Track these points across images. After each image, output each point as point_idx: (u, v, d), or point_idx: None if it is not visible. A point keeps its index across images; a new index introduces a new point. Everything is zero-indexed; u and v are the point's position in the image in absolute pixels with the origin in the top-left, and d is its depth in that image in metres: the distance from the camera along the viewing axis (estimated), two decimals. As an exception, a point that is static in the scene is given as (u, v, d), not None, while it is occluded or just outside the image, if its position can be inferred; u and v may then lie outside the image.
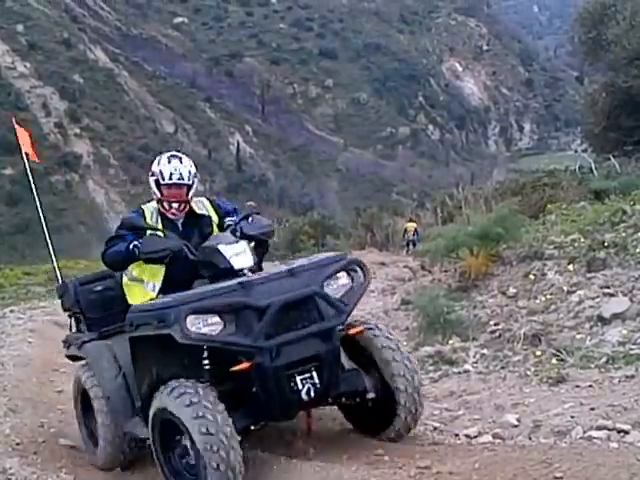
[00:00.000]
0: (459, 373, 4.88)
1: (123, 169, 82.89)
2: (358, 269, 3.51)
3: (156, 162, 3.80)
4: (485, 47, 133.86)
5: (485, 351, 5.24)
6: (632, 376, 3.96)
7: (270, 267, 3.47)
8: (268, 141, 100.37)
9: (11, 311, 8.30)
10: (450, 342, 5.63)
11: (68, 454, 4.18)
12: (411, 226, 18.87)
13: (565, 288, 5.91)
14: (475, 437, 3.69)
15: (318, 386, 3.25)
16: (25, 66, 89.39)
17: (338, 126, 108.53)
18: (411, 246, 17.94)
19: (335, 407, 4.38)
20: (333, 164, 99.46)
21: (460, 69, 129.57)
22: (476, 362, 5.05)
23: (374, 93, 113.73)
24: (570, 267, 6.27)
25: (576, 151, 47.10)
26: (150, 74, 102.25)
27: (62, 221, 70.72)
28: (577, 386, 4.04)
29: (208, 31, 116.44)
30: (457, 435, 3.76)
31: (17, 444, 4.05)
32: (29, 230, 68.69)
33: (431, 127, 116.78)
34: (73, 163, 79.57)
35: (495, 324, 5.83)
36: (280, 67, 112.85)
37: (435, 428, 3.92)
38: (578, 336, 5.01)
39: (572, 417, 3.56)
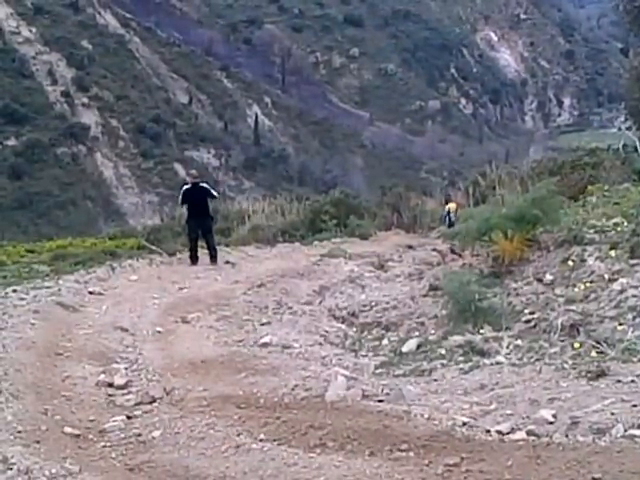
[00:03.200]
0: (491, 365, 4.85)
1: (133, 142, 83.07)
2: None
3: None
4: (523, 16, 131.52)
5: (519, 342, 5.20)
6: (679, 372, 3.90)
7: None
8: (288, 114, 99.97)
9: (14, 291, 8.33)
10: (482, 331, 5.59)
11: (73, 443, 4.17)
12: (453, 206, 18.69)
13: (606, 276, 5.83)
14: (508, 434, 3.67)
15: None
16: (30, 31, 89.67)
17: (363, 99, 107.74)
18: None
19: (358, 398, 4.38)
20: (358, 139, 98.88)
21: (495, 39, 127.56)
22: (509, 353, 5.01)
23: (402, 63, 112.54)
24: (612, 253, 6.18)
25: (620, 129, 46.22)
26: (163, 41, 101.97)
27: (68, 196, 71.33)
28: (618, 381, 3.98)
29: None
30: (488, 431, 3.74)
31: (19, 432, 4.06)
32: (33, 205, 69.47)
33: (463, 101, 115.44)
34: (80, 134, 79.85)
35: (530, 313, 5.78)
36: (302, 35, 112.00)
37: (464, 423, 3.90)
38: (620, 327, 4.95)
39: (612, 414, 3.52)
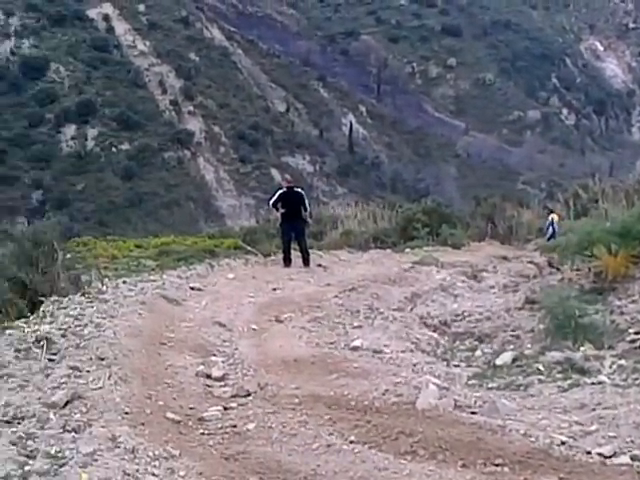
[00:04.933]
0: (592, 384, 4.59)
1: (233, 147, 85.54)
2: None
3: None
4: (631, 25, 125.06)
5: (623, 362, 4.89)
6: None
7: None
8: (383, 122, 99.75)
9: (124, 282, 8.80)
10: (582, 349, 5.31)
11: (174, 428, 4.31)
12: (556, 217, 17.97)
13: None
14: (610, 457, 3.45)
15: None
16: (145, 44, 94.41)
17: (459, 108, 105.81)
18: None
19: (450, 408, 4.25)
20: (452, 149, 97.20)
21: (601, 49, 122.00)
22: (613, 373, 4.72)
23: (501, 73, 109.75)
24: None
25: None
26: (264, 52, 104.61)
27: (172, 196, 74.42)
28: None
29: (324, 8, 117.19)
30: (589, 452, 3.53)
31: (126, 413, 4.24)
32: (142, 204, 72.98)
33: (565, 111, 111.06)
34: (186, 140, 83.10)
35: (636, 333, 5.44)
36: (398, 45, 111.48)
37: (563, 442, 3.70)
38: None
39: None
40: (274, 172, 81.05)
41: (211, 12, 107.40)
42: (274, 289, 9.94)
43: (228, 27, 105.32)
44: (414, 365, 5.78)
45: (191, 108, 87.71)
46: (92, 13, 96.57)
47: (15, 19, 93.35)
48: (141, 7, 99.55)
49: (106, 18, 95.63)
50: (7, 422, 3.93)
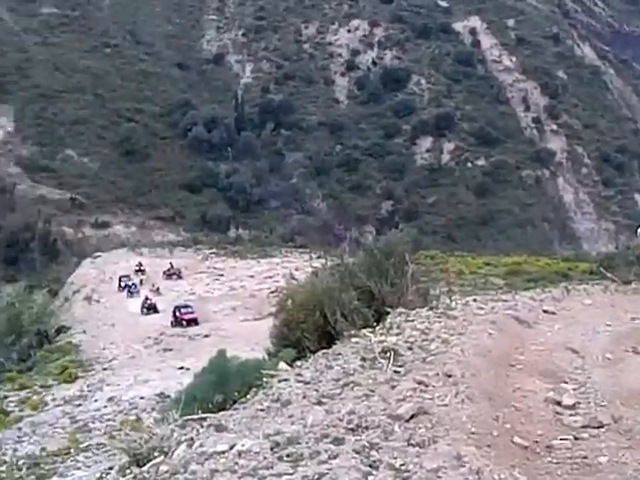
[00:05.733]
0: None
1: (596, 169, 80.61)
2: None
3: None
4: None
5: None
6: None
7: None
8: None
9: (474, 300, 8.82)
10: None
11: (522, 453, 4.15)
12: None
13: None
14: None
15: None
16: (511, 60, 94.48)
17: None
18: None
19: None
20: None
21: None
22: None
23: None
24: None
25: None
26: (638, 73, 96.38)
27: (527, 215, 72.98)
28: None
29: None
30: None
31: (472, 433, 4.15)
32: (494, 221, 73.10)
33: None
34: (546, 159, 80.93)
35: None
36: None
37: None
38: None
39: None
40: (638, 197, 74.47)
41: (584, 29, 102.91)
42: (633, 319, 9.05)
43: (601, 45, 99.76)
44: None
45: (554, 127, 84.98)
46: (458, 26, 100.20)
47: (379, 30, 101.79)
48: (510, 22, 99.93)
49: (472, 32, 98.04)
50: (351, 430, 4.01)
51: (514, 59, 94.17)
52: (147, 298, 39.85)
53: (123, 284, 44.25)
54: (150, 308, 38.88)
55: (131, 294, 42.46)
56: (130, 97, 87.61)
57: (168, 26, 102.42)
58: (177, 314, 36.20)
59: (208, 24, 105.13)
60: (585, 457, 4.14)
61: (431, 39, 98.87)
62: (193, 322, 35.55)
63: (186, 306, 37.12)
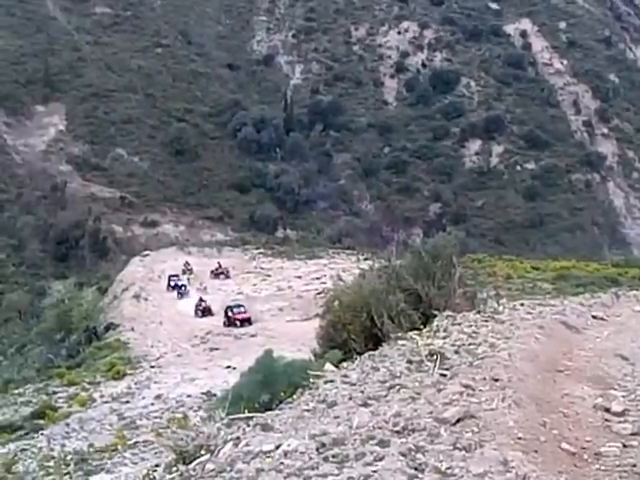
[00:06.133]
0: None
1: (648, 173, 78.19)
2: None
3: None
4: None
5: None
6: None
7: None
8: None
9: (521, 304, 8.71)
10: None
11: (569, 460, 4.09)
12: None
13: None
14: None
15: None
16: (562, 63, 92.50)
17: None
18: None
19: None
20: None
21: None
22: None
23: None
24: None
25: None
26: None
27: (576, 220, 71.34)
28: None
29: None
30: None
31: (519, 438, 4.11)
32: (542, 226, 71.64)
33: None
34: (596, 163, 79.02)
35: None
36: None
37: None
38: None
39: None
40: (689, 203, 72.06)
41: (636, 33, 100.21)
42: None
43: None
44: None
45: (605, 130, 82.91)
46: (509, 29, 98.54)
47: (429, 32, 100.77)
48: (562, 25, 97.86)
49: (523, 34, 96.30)
50: (397, 432, 4.01)
51: (565, 62, 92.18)
52: (201, 299, 39.45)
53: (172, 283, 44.48)
54: (205, 310, 38.34)
55: (181, 295, 42.41)
56: (180, 97, 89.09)
57: (218, 27, 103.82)
58: (230, 314, 35.87)
59: (258, 25, 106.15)
60: (634, 465, 4.06)
61: (481, 41, 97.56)
62: (247, 322, 35.18)
63: (239, 306, 36.75)
